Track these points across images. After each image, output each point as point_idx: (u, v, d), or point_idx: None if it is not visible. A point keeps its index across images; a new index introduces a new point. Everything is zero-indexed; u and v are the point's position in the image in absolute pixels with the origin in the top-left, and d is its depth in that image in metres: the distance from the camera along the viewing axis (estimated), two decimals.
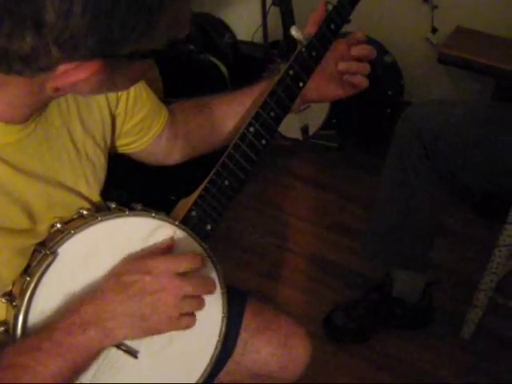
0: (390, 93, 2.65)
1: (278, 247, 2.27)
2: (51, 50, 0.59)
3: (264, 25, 2.52)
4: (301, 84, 1.04)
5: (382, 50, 2.69)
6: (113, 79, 0.69)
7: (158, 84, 2.27)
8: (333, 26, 1.07)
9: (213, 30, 2.94)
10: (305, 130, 2.54)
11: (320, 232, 2.35)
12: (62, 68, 0.63)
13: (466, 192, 2.42)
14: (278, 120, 1.02)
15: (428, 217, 1.80)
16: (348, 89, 1.08)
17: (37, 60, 0.60)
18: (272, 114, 1.01)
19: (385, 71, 2.66)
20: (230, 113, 1.11)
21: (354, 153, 2.76)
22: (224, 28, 3.00)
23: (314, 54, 1.05)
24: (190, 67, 2.74)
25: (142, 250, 0.86)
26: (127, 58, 0.64)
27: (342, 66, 1.05)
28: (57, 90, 0.69)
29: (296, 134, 2.54)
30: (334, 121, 2.70)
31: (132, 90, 0.97)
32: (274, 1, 2.51)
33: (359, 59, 1.06)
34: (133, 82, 0.76)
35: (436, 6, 2.62)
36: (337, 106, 2.60)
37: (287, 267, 2.20)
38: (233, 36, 3.01)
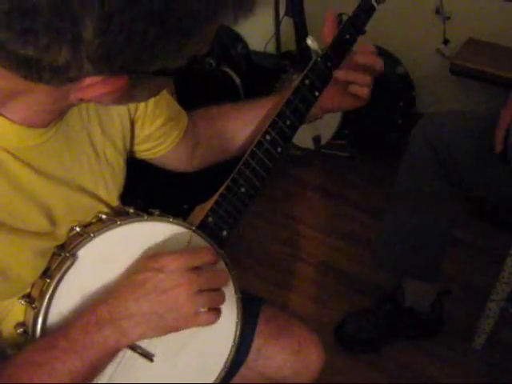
0: (401, 104, 2.66)
1: (289, 256, 2.28)
2: (84, 64, 0.61)
3: (277, 35, 2.54)
4: (316, 93, 1.05)
5: (394, 61, 2.71)
6: (133, 93, 0.71)
7: (171, 94, 2.29)
8: (348, 37, 1.08)
9: (226, 40, 2.96)
10: (317, 140, 2.56)
11: (331, 241, 2.36)
12: (88, 80, 0.65)
13: (478, 202, 2.42)
14: (294, 128, 1.04)
15: (441, 228, 1.81)
16: (358, 99, 1.08)
17: (67, 72, 0.62)
18: (288, 122, 1.03)
19: (397, 82, 2.67)
20: (249, 121, 1.12)
21: (365, 163, 2.77)
22: (237, 38, 3.02)
23: (329, 64, 1.06)
24: (203, 77, 2.76)
25: (156, 251, 0.87)
26: (152, 75, 0.66)
27: (339, 73, 1.05)
28: (80, 100, 0.71)
29: (308, 144, 2.56)
30: (346, 131, 2.71)
31: None
32: (286, 11, 2.53)
33: (365, 70, 1.05)
34: (153, 95, 0.78)
35: (448, 18, 2.63)
36: (349, 117, 2.61)
37: (298, 276, 2.21)
38: (246, 46, 3.03)
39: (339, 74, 1.05)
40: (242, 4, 0.64)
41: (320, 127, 2.53)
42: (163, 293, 0.81)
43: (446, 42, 2.67)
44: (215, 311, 0.86)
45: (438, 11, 2.64)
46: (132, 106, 0.97)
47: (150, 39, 0.60)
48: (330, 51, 1.06)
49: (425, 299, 1.95)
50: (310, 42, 1.06)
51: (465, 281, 2.17)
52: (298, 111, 1.03)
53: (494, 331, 1.92)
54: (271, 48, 2.93)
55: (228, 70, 2.74)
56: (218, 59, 2.85)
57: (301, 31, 2.34)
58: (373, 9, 1.14)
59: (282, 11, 2.55)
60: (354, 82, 1.05)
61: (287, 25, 2.57)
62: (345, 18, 1.11)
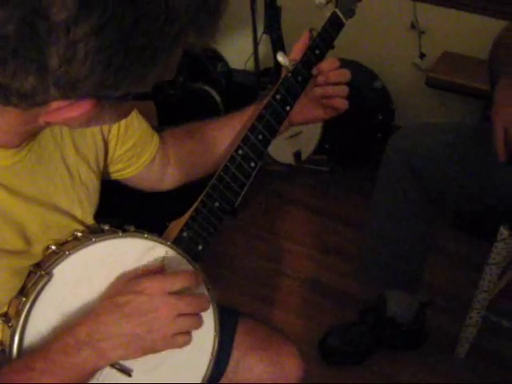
0: (380, 117, 2.69)
1: (272, 271, 2.29)
2: (50, 90, 0.63)
3: (255, 53, 2.57)
4: (287, 108, 1.08)
5: (371, 75, 2.75)
6: (101, 116, 0.73)
7: (152, 113, 2.31)
8: (317, 52, 1.11)
9: (206, 59, 2.99)
10: (297, 155, 2.58)
11: (314, 255, 2.38)
12: (55, 104, 0.67)
13: (457, 212, 2.45)
14: (266, 143, 1.06)
15: (419, 239, 1.83)
16: (329, 111, 1.10)
17: (34, 97, 0.63)
18: (260, 137, 1.05)
19: (375, 96, 2.71)
20: (221, 137, 1.14)
21: (346, 177, 2.80)
22: (217, 57, 3.06)
23: (299, 78, 1.08)
24: (184, 96, 2.79)
25: (135, 270, 0.88)
26: (118, 99, 0.68)
27: (317, 91, 1.07)
28: (48, 123, 0.73)
29: (289, 160, 2.58)
30: (327, 146, 2.74)
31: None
32: (265, 29, 2.56)
33: (336, 83, 1.08)
34: (120, 118, 0.79)
35: (423, 32, 2.68)
36: (329, 131, 2.64)
37: (282, 291, 2.22)
38: (226, 65, 3.06)
39: (317, 91, 1.07)
40: (203, 33, 0.67)
41: (300, 142, 2.56)
42: (144, 315, 0.82)
43: (421, 55, 2.72)
44: (188, 333, 0.87)
45: (413, 26, 2.69)
46: (105, 127, 0.98)
47: (113, 68, 0.62)
48: (300, 66, 1.08)
49: (407, 310, 1.96)
50: (280, 58, 1.09)
51: (447, 290, 2.19)
52: (269, 126, 1.05)
53: (477, 340, 1.94)
54: (251, 66, 2.96)
55: (208, 88, 2.77)
56: (192, 74, 2.88)
57: (278, 48, 2.37)
58: (341, 24, 1.16)
59: (260, 29, 2.58)
60: (335, 96, 1.07)
61: (266, 42, 2.60)
62: (314, 34, 1.13)
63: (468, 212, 2.42)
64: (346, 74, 1.08)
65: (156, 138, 1.11)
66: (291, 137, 2.48)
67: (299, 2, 2.52)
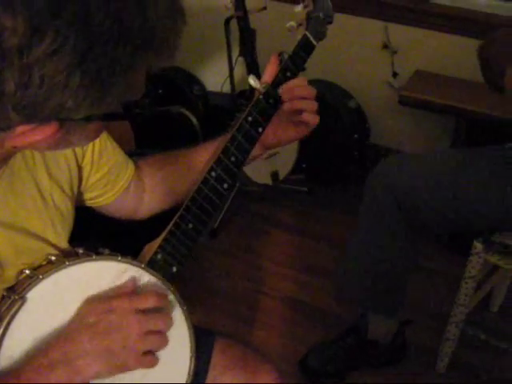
0: (356, 136, 2.73)
1: (253, 291, 2.30)
2: (10, 115, 0.64)
3: (231, 75, 2.59)
4: (260, 129, 1.09)
5: (346, 95, 2.79)
6: (69, 138, 0.73)
7: (130, 137, 2.32)
8: (289, 74, 1.12)
9: (182, 82, 3.02)
10: (275, 175, 2.60)
11: (294, 274, 2.39)
12: (19, 129, 0.67)
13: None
14: (239, 164, 1.07)
15: (402, 265, 1.85)
16: (301, 129, 1.11)
17: None
18: (233, 158, 1.06)
19: (350, 116, 2.75)
20: (195, 165, 1.14)
21: (324, 195, 2.82)
22: (193, 80, 3.09)
23: (271, 101, 1.10)
24: (161, 119, 2.81)
25: (106, 292, 0.89)
26: (82, 121, 0.69)
27: (286, 105, 1.07)
28: (14, 147, 0.73)
29: (266, 180, 2.60)
30: (304, 165, 2.77)
31: (97, 143, 1.01)
32: (240, 52, 2.58)
33: (302, 97, 1.08)
34: (89, 140, 0.80)
35: (395, 52, 2.73)
36: (305, 151, 2.67)
37: (263, 311, 2.22)
38: (202, 88, 3.09)
39: (286, 106, 1.07)
40: (161, 52, 0.68)
41: (277, 163, 2.58)
42: (115, 332, 0.84)
43: (394, 74, 2.76)
44: (154, 355, 0.89)
45: (385, 46, 2.74)
46: (79, 152, 0.99)
47: (71, 90, 0.63)
48: (272, 89, 1.10)
49: (388, 332, 1.98)
50: (251, 81, 1.11)
51: (427, 306, 2.21)
52: (242, 147, 1.07)
53: (456, 354, 1.95)
54: (228, 88, 2.99)
55: (185, 111, 2.79)
56: (176, 101, 2.91)
57: (253, 70, 2.39)
58: (312, 46, 1.17)
59: (236, 52, 2.60)
60: (304, 110, 1.08)
61: (242, 65, 2.63)
62: (285, 56, 1.15)
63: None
64: (311, 90, 1.08)
65: (131, 166, 1.12)
66: (268, 157, 2.50)
67: (274, 24, 2.55)
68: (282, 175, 2.63)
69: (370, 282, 1.87)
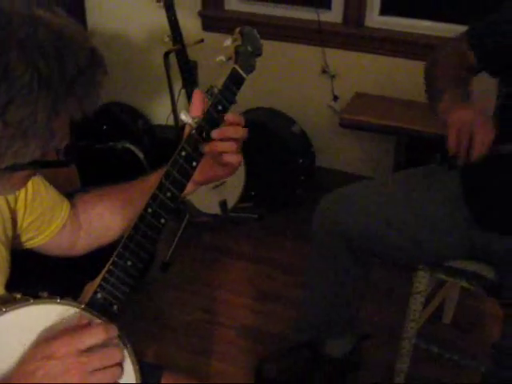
0: (301, 161, 2.77)
1: (208, 323, 2.29)
2: None
3: (173, 108, 2.61)
4: (194, 164, 1.10)
5: (289, 121, 2.84)
6: None
7: (74, 176, 2.31)
8: (220, 107, 1.14)
9: (127, 117, 3.03)
10: (223, 204, 2.61)
11: (249, 303, 2.39)
12: None
13: None
14: (175, 199, 1.08)
15: (353, 291, 1.90)
16: (228, 168, 1.11)
17: None
18: (168, 194, 1.07)
19: (294, 141, 2.79)
20: (130, 200, 1.15)
21: (274, 221, 2.85)
22: (137, 115, 3.10)
23: (204, 135, 1.11)
24: (107, 155, 2.80)
25: (45, 335, 0.88)
26: (7, 170, 0.70)
27: (205, 148, 1.06)
28: None
29: (215, 210, 2.61)
30: (252, 193, 2.80)
31: (30, 185, 1.01)
32: (183, 84, 2.61)
33: (229, 139, 1.08)
34: (16, 188, 0.81)
35: (334, 76, 2.79)
36: (253, 178, 2.69)
37: (219, 341, 2.22)
38: (146, 121, 3.10)
39: (205, 148, 1.07)
40: (82, 102, 0.70)
41: (225, 192, 2.59)
42: (55, 379, 0.83)
43: (335, 98, 2.83)
44: None
45: (324, 71, 2.81)
46: (11, 197, 0.99)
47: None
48: (204, 123, 1.12)
49: (344, 348, 2.01)
50: (183, 116, 1.12)
51: (380, 322, 2.24)
52: (177, 182, 1.08)
53: (412, 368, 1.98)
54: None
55: (130, 145, 2.79)
56: (121, 137, 2.90)
57: None
58: (242, 79, 1.19)
59: (177, 85, 2.62)
60: (225, 152, 1.08)
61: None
62: (216, 90, 1.17)
63: None
64: (237, 130, 1.08)
65: (66, 206, 1.12)
66: (215, 187, 2.52)
67: (214, 56, 2.58)
68: (230, 204, 2.65)
69: (326, 307, 1.91)
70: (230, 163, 1.09)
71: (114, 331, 0.92)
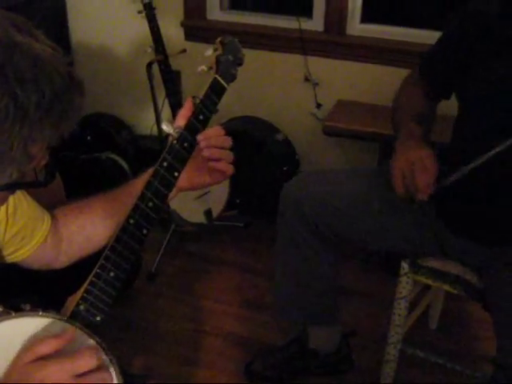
0: (286, 168, 2.78)
1: (194, 331, 2.29)
2: None
3: (157, 118, 2.61)
4: (176, 174, 1.11)
5: (273, 129, 2.85)
6: None
7: (60, 188, 2.30)
8: (201, 117, 1.15)
9: (110, 128, 3.03)
10: (208, 213, 2.62)
11: (235, 311, 2.40)
12: None
13: (367, 252, 2.54)
14: (157, 209, 1.09)
15: (326, 274, 1.91)
16: (216, 176, 1.14)
17: None
18: (150, 204, 1.08)
19: (278, 149, 2.80)
20: (111, 210, 1.15)
21: (259, 229, 2.85)
22: (121, 125, 3.10)
23: (185, 144, 1.12)
24: (91, 166, 2.80)
25: (32, 352, 0.87)
26: None
27: (205, 153, 1.11)
28: None
29: (200, 219, 2.61)
30: (238, 201, 2.80)
31: (11, 199, 1.01)
32: (166, 94, 2.61)
33: (219, 147, 1.12)
34: None
35: (317, 84, 2.81)
36: (237, 187, 2.70)
37: (206, 350, 2.21)
38: (130, 132, 3.11)
39: (205, 153, 1.10)
40: (58, 127, 0.71)
41: (209, 201, 2.60)
42: None
43: (318, 105, 2.84)
44: None
45: (306, 79, 2.82)
46: None
47: None
48: (186, 133, 1.13)
49: (329, 341, 2.04)
50: (164, 127, 1.13)
51: (366, 328, 2.25)
52: (159, 193, 1.09)
53: (400, 373, 1.99)
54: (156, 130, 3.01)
55: (115, 156, 2.80)
56: (105, 147, 2.91)
57: (178, 112, 2.42)
58: (223, 88, 1.20)
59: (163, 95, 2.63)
60: (222, 160, 1.11)
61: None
62: (197, 100, 1.18)
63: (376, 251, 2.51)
64: (227, 140, 1.11)
65: (47, 219, 1.13)
66: (200, 196, 2.52)
67: (197, 65, 2.60)
68: (215, 213, 2.65)
69: (300, 296, 1.93)
70: (222, 171, 1.10)
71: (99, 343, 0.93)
